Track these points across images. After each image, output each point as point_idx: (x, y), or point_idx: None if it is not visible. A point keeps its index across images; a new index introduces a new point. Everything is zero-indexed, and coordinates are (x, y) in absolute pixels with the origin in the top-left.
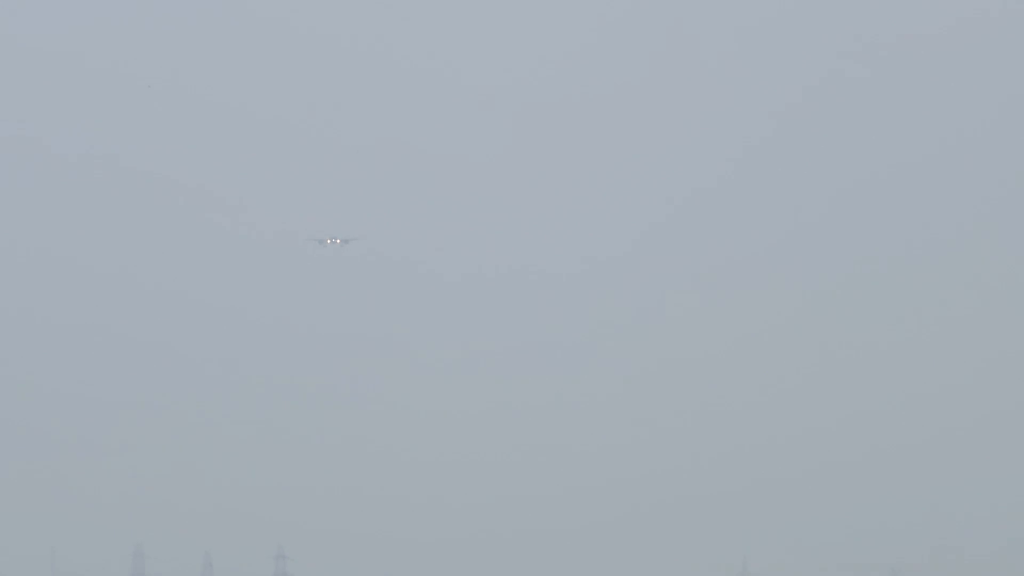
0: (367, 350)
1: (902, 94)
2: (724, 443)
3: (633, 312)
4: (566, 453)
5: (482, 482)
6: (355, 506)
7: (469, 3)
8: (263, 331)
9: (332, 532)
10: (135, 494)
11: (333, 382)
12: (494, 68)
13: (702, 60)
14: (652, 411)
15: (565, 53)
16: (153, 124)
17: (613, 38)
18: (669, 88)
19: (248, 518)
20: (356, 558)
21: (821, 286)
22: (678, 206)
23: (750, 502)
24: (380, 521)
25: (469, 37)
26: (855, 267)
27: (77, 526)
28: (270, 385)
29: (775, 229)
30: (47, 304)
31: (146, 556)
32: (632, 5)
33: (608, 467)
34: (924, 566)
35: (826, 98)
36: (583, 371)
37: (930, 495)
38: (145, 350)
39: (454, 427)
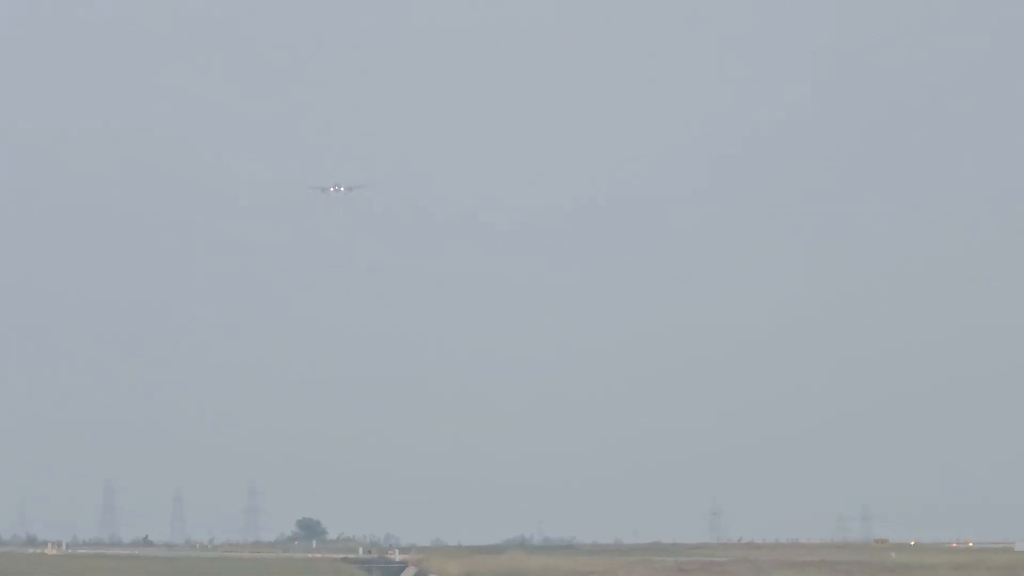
0: (346, 290)
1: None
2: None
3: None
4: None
5: (463, 421)
6: (326, 441)
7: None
8: (245, 272)
9: (303, 466)
10: (106, 429)
11: (313, 320)
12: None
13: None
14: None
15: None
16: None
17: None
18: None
19: (219, 452)
20: (328, 492)
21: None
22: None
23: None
24: (352, 457)
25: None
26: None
27: (48, 461)
28: (245, 323)
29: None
30: (29, 240)
31: (117, 490)
32: None
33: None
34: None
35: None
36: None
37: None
38: (120, 290)
39: (447, 363)
